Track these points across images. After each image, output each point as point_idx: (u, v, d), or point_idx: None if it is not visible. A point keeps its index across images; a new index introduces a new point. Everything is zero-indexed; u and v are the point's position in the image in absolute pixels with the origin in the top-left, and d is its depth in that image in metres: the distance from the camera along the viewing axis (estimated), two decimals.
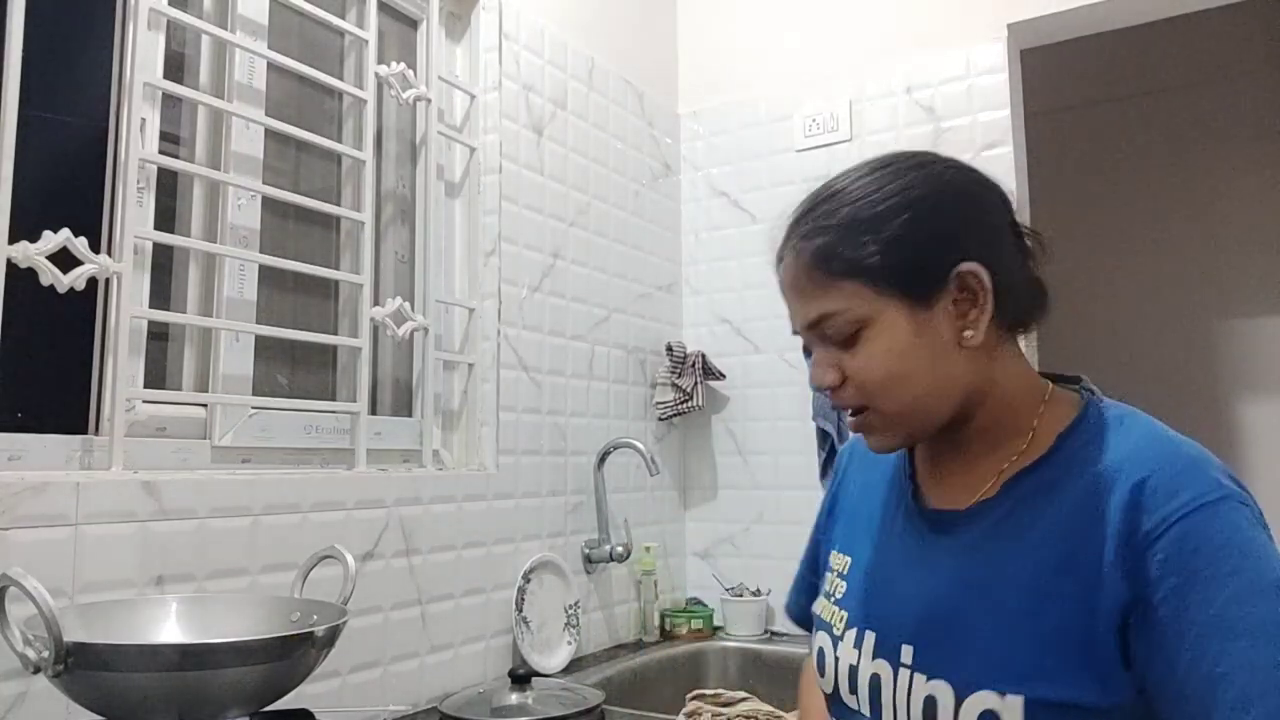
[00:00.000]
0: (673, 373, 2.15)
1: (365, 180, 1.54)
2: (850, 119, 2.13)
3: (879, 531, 0.88)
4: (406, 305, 1.60)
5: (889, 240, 0.76)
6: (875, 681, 0.78)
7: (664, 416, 2.15)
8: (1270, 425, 2.81)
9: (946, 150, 2.11)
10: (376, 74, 1.57)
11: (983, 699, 0.69)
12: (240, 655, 0.86)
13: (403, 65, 1.62)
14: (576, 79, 2.02)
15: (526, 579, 1.70)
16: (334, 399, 1.55)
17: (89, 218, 1.22)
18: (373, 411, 1.56)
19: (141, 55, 1.23)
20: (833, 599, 0.88)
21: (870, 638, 0.80)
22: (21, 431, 1.11)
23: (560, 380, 1.90)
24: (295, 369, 1.51)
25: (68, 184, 1.26)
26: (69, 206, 1.22)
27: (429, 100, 1.68)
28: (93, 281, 1.18)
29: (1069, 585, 0.69)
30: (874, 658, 0.79)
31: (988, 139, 1.97)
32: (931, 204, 0.77)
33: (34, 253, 1.09)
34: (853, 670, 0.81)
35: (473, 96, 1.80)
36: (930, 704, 0.73)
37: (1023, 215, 2.16)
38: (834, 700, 0.84)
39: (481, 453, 1.71)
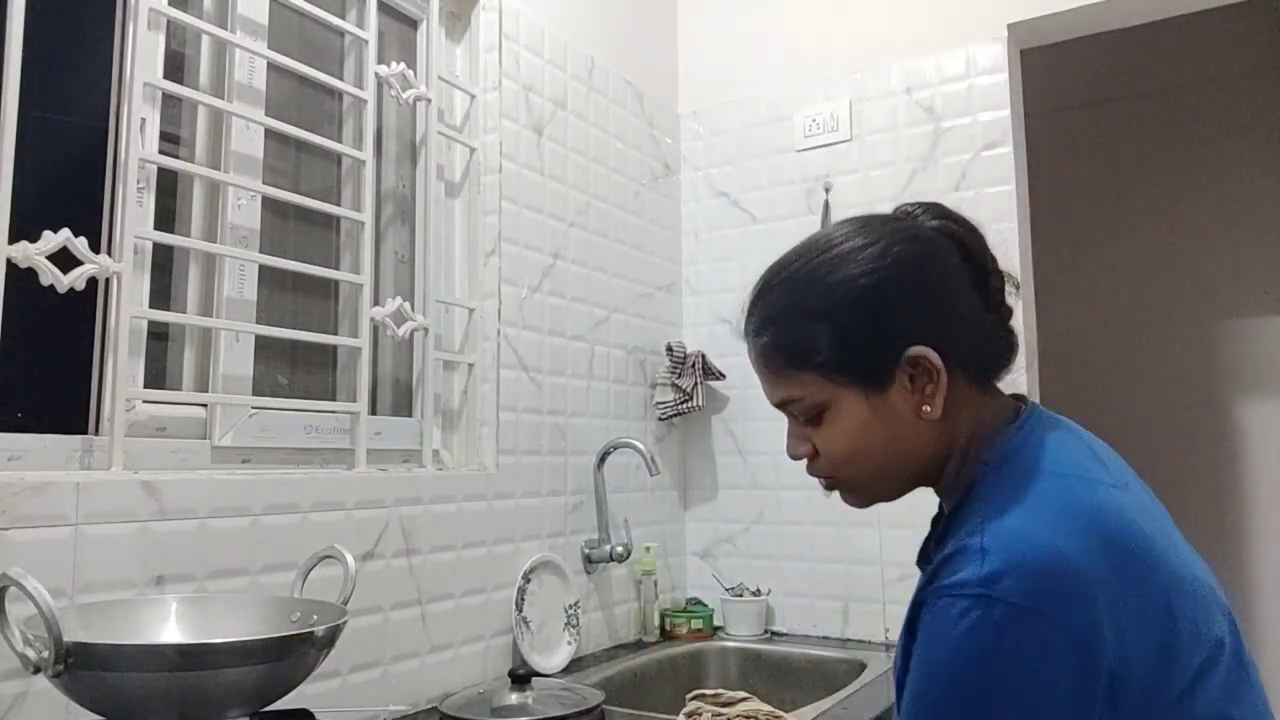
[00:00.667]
0: (673, 373, 2.15)
1: (365, 180, 1.54)
2: (850, 119, 2.13)
3: None
4: (406, 305, 1.60)
5: (835, 334, 0.79)
6: None
7: (664, 416, 2.15)
8: (1271, 425, 2.81)
9: (946, 150, 2.11)
10: (376, 74, 1.57)
11: None
12: (240, 655, 0.86)
13: (403, 65, 1.62)
14: (576, 79, 2.02)
15: (526, 579, 1.70)
16: (334, 399, 1.55)
17: (89, 218, 1.22)
18: (373, 411, 1.56)
19: (141, 55, 1.23)
20: None
21: None
22: (21, 431, 1.11)
23: (560, 380, 1.90)
24: (295, 369, 1.51)
25: (68, 184, 1.25)
26: (69, 206, 1.22)
27: (429, 100, 1.68)
28: (93, 281, 1.18)
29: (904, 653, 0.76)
30: None
31: (988, 139, 1.97)
32: (878, 293, 0.79)
33: (34, 253, 1.09)
34: None
35: (473, 96, 1.80)
36: None
37: (1022, 216, 2.16)
38: None
39: (481, 453, 1.71)
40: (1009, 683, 0.63)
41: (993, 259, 0.84)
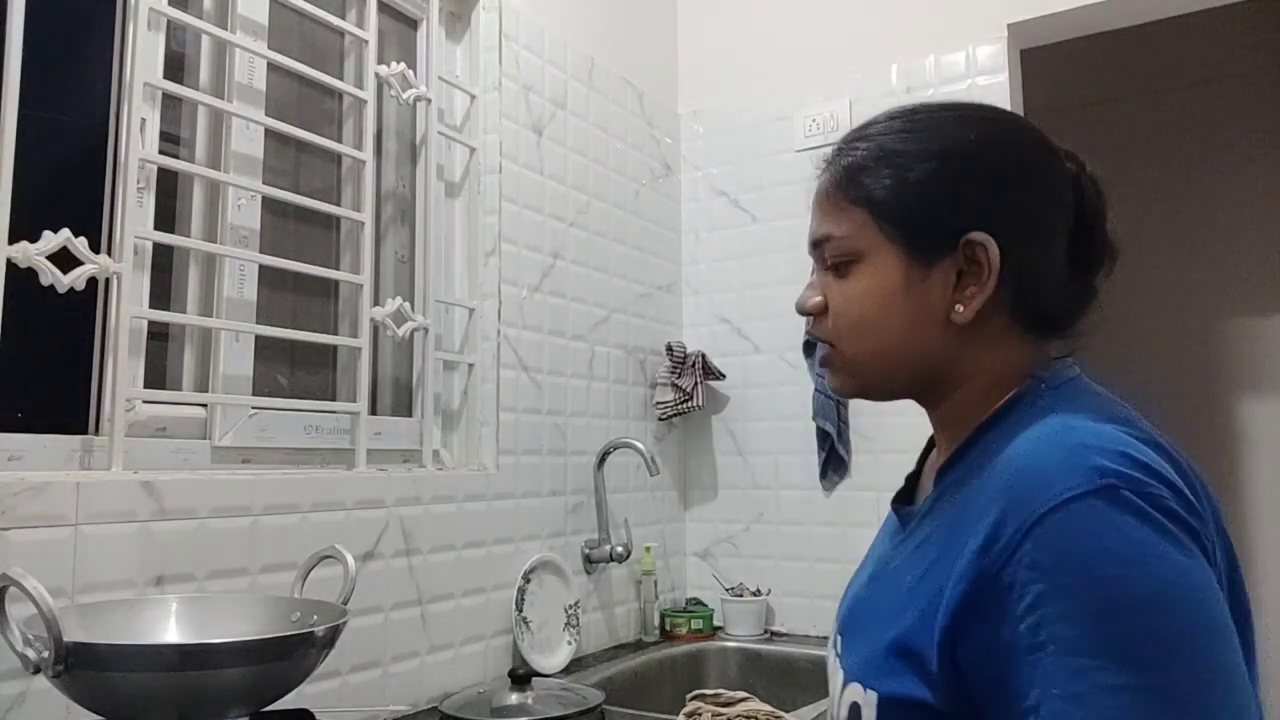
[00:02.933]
0: (673, 373, 2.15)
1: (365, 180, 1.54)
2: (850, 119, 2.13)
3: (879, 536, 0.87)
4: (406, 305, 1.60)
5: (910, 181, 0.72)
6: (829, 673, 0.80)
7: (664, 416, 2.15)
8: (1271, 425, 2.81)
9: None
10: (376, 74, 1.57)
11: (853, 691, 0.69)
12: (240, 655, 0.86)
13: (403, 65, 1.62)
14: (576, 79, 2.02)
15: (526, 579, 1.70)
16: (334, 399, 1.55)
17: (89, 218, 1.22)
18: (373, 411, 1.56)
19: (141, 55, 1.23)
20: None
21: (835, 629, 0.81)
22: (21, 431, 1.11)
23: (560, 380, 1.90)
24: (295, 369, 1.51)
25: (68, 184, 1.26)
26: (69, 206, 1.22)
27: (429, 100, 1.68)
28: (93, 281, 1.18)
29: (929, 588, 0.65)
30: (831, 646, 0.80)
31: None
32: (970, 161, 0.72)
33: (34, 253, 1.09)
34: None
35: (473, 96, 1.80)
36: (833, 689, 0.74)
37: None
38: None
39: (481, 453, 1.71)
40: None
41: (1104, 228, 0.78)
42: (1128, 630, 0.54)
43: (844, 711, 0.70)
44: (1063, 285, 0.75)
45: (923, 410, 0.80)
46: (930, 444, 0.85)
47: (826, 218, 0.76)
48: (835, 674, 0.75)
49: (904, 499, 0.84)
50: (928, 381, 0.75)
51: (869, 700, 0.66)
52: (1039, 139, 0.76)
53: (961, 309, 0.71)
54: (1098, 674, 0.54)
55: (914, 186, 0.72)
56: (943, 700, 0.62)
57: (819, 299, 0.77)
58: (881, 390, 0.78)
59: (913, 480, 0.85)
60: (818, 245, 0.77)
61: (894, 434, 1.96)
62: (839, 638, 0.78)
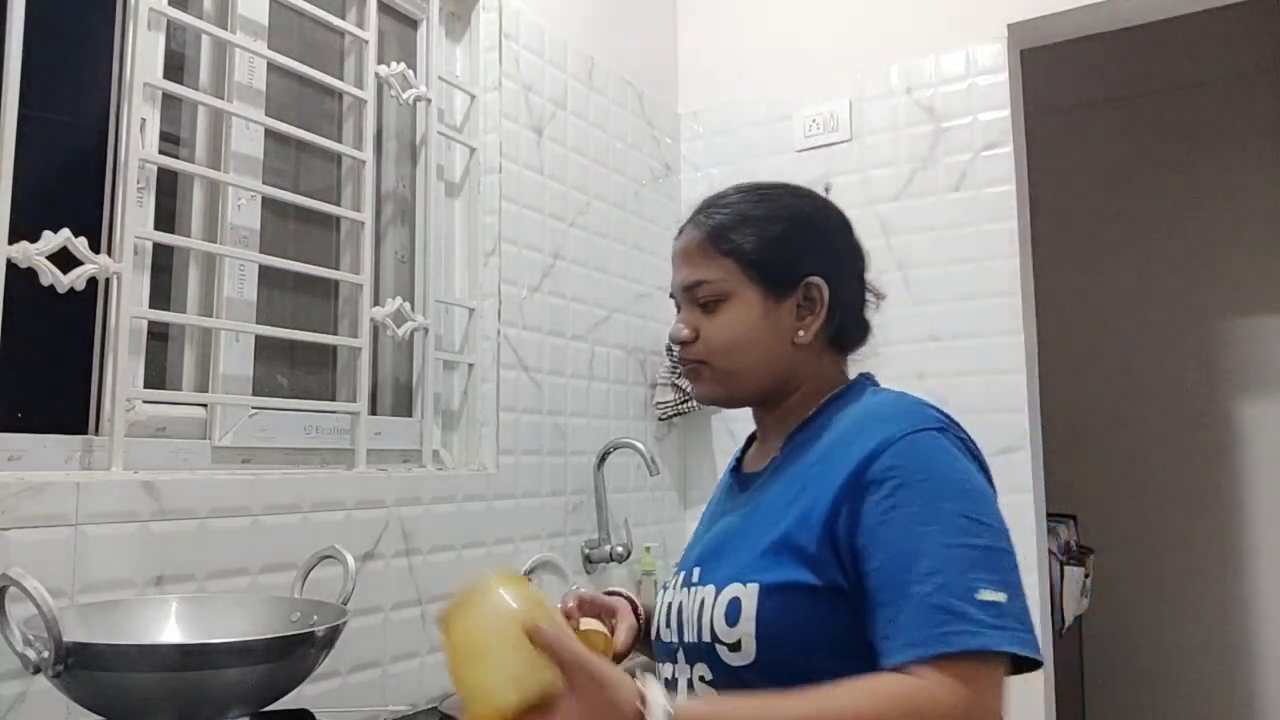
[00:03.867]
0: (673, 373, 2.14)
1: (365, 180, 1.54)
2: (850, 119, 2.13)
3: (715, 505, 1.07)
4: (406, 305, 1.60)
5: (767, 238, 0.96)
6: (679, 608, 0.94)
7: (664, 416, 2.15)
8: (1270, 425, 2.81)
9: (946, 150, 2.11)
10: (376, 74, 1.57)
11: (731, 590, 0.87)
12: (240, 655, 0.86)
13: (403, 65, 1.62)
14: (576, 79, 2.02)
15: (526, 579, 1.70)
16: (334, 399, 1.55)
17: (89, 218, 1.22)
18: (373, 411, 1.56)
19: (141, 55, 1.23)
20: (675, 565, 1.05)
21: (681, 576, 0.97)
22: (21, 431, 1.11)
23: (560, 380, 1.90)
24: (295, 369, 1.51)
25: (68, 184, 1.26)
26: (69, 206, 1.22)
27: (429, 100, 1.68)
28: (93, 281, 1.18)
29: (804, 500, 0.86)
30: (680, 588, 0.96)
31: (988, 139, 1.97)
32: (807, 225, 0.98)
33: (34, 253, 1.09)
34: (669, 606, 0.96)
35: (473, 96, 1.80)
36: (701, 604, 0.90)
37: (1022, 216, 2.15)
38: (656, 641, 0.99)
39: (481, 453, 1.71)
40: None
41: (871, 282, 1.04)
42: (957, 509, 0.80)
43: (721, 609, 0.87)
44: (859, 319, 1.01)
45: None
46: (749, 441, 1.07)
47: (698, 267, 0.97)
48: (694, 596, 0.92)
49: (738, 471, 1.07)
50: (774, 389, 0.98)
51: (750, 591, 0.85)
52: (838, 208, 1.03)
53: (803, 334, 0.95)
54: (937, 535, 0.79)
55: (771, 242, 0.96)
56: (819, 575, 0.83)
57: (688, 331, 0.97)
58: (740, 397, 1.00)
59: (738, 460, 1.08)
60: (689, 289, 0.97)
61: None
62: (697, 569, 0.95)
